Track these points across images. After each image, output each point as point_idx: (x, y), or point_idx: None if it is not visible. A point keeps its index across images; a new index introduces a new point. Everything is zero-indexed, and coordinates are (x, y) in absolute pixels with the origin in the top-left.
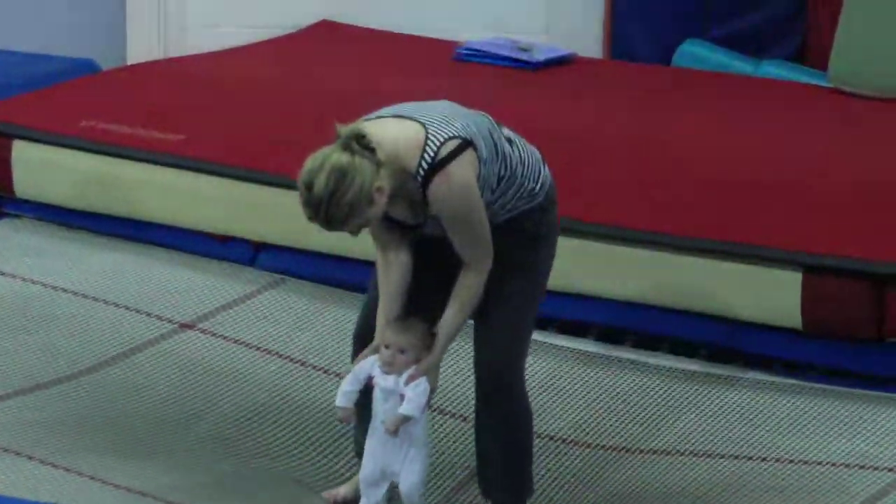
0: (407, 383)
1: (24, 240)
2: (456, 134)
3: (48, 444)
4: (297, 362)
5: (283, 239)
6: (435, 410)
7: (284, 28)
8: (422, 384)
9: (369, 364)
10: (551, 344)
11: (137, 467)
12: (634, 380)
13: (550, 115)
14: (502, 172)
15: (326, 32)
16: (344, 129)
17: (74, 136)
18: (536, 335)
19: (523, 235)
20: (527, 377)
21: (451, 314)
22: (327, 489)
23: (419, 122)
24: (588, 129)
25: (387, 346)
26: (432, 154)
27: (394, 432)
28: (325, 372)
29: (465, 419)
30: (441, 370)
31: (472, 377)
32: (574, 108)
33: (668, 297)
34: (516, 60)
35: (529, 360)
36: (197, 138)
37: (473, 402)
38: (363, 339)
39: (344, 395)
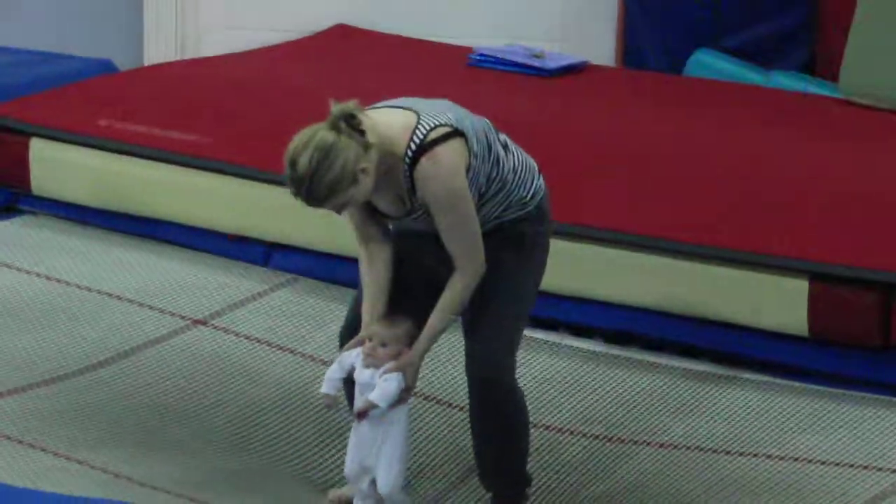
0: (381, 375)
1: (40, 237)
2: (447, 122)
3: (60, 436)
4: (308, 358)
5: (296, 240)
6: (443, 403)
7: (300, 32)
8: (394, 378)
9: (354, 355)
10: (557, 343)
11: (147, 460)
12: (641, 377)
13: (563, 121)
14: (493, 175)
15: (342, 36)
16: (336, 108)
17: (91, 135)
18: (542, 334)
19: (512, 243)
20: (532, 372)
21: (436, 319)
22: (333, 487)
23: (413, 110)
24: (599, 136)
25: (370, 339)
26: (421, 136)
27: (359, 417)
28: None
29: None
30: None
31: None
32: (585, 115)
33: (673, 304)
34: (529, 67)
35: (534, 356)
36: (212, 139)
37: None
38: (351, 334)
39: (328, 382)
